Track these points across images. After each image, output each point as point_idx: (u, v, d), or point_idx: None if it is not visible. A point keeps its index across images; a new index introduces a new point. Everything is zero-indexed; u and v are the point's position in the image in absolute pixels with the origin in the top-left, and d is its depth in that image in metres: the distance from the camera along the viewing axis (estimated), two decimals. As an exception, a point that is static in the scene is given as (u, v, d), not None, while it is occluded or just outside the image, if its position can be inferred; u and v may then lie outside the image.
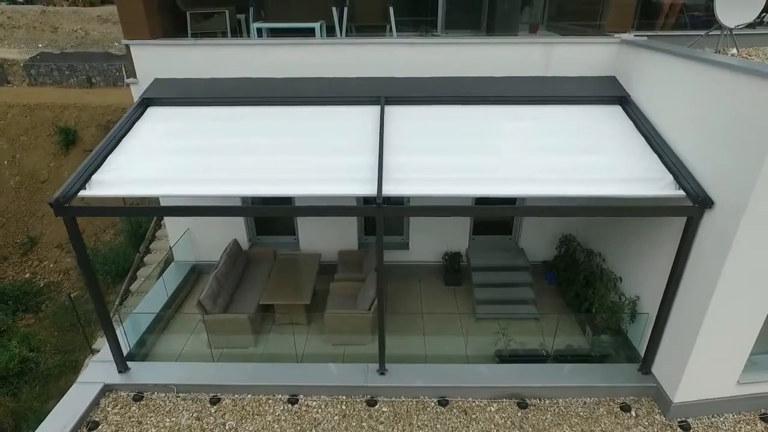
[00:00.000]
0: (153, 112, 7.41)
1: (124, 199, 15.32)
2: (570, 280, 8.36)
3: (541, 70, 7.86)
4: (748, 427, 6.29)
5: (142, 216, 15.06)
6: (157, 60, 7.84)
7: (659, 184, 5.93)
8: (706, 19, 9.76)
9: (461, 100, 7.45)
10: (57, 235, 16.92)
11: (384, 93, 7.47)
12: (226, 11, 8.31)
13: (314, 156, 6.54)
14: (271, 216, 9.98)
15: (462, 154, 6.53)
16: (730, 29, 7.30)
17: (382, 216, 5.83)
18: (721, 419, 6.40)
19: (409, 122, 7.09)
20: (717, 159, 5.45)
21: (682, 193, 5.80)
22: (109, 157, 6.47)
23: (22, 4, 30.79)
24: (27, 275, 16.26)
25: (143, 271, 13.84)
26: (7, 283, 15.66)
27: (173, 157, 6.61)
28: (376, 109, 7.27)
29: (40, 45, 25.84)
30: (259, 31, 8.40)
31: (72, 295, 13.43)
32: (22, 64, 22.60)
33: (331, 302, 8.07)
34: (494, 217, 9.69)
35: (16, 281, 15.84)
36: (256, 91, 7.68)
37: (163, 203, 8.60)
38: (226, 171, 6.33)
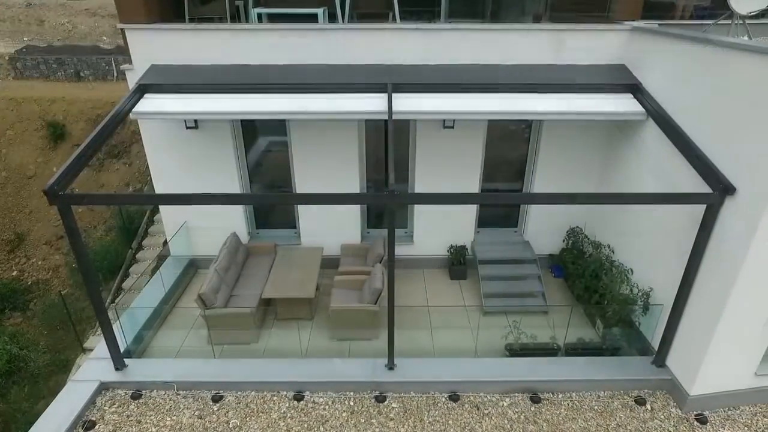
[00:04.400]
0: (150, 99, 7.11)
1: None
2: (579, 273, 8.20)
3: (550, 59, 7.69)
4: (766, 419, 6.17)
5: (138, 204, 14.73)
6: (153, 45, 7.54)
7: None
8: (712, 13, 9.71)
9: (471, 88, 7.26)
10: (45, 232, 16.48)
11: (390, 80, 7.25)
12: (226, -5, 8.03)
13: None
14: (274, 204, 9.75)
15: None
16: (743, 17, 7.19)
17: (393, 204, 5.64)
18: (738, 412, 6.29)
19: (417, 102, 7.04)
20: (738, 145, 5.31)
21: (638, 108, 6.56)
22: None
23: (7, -4, 30.08)
24: (14, 273, 15.80)
25: (136, 268, 13.50)
26: (-7, 281, 15.21)
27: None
28: (383, 97, 7.06)
29: (26, 38, 25.24)
30: (260, 16, 8.15)
31: (62, 293, 13.03)
32: (7, 58, 22.02)
33: (335, 296, 7.84)
34: (505, 203, 9.60)
35: (3, 279, 15.37)
36: (256, 78, 7.43)
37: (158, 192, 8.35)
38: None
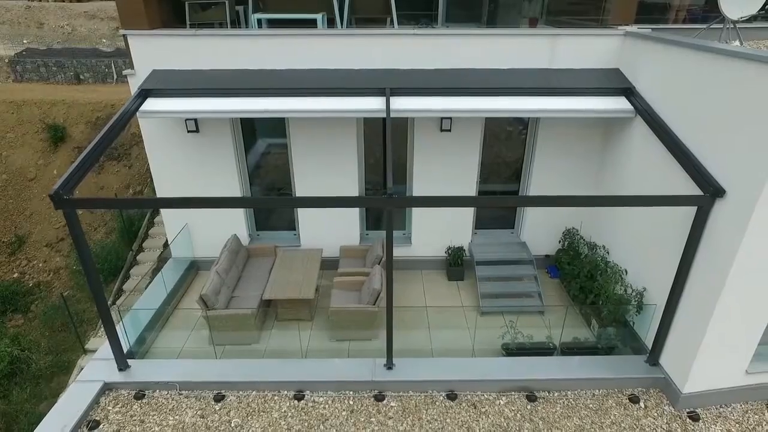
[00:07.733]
0: (153, 102, 7.23)
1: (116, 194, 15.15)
2: (574, 274, 8.33)
3: (545, 63, 7.82)
4: (756, 416, 6.30)
5: (142, 207, 14.80)
6: (155, 51, 7.66)
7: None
8: (704, 16, 9.87)
9: (468, 92, 7.39)
10: (46, 234, 16.56)
11: (388, 84, 7.38)
12: (226, 1, 8.15)
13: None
14: (274, 207, 9.85)
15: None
16: (733, 22, 7.33)
17: (391, 207, 5.74)
18: (729, 409, 6.41)
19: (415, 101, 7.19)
20: (728, 148, 5.44)
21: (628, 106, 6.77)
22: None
23: (6, -1, 30.12)
24: (15, 275, 15.88)
25: (136, 270, 13.60)
26: (-6, 283, 15.28)
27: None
28: (382, 99, 7.19)
29: (26, 41, 25.32)
30: (259, 22, 8.27)
31: (64, 294, 13.10)
32: (7, 60, 22.11)
33: (334, 297, 7.95)
34: (502, 206, 9.70)
35: (5, 281, 15.44)
36: (257, 82, 7.55)
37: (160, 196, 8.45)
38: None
